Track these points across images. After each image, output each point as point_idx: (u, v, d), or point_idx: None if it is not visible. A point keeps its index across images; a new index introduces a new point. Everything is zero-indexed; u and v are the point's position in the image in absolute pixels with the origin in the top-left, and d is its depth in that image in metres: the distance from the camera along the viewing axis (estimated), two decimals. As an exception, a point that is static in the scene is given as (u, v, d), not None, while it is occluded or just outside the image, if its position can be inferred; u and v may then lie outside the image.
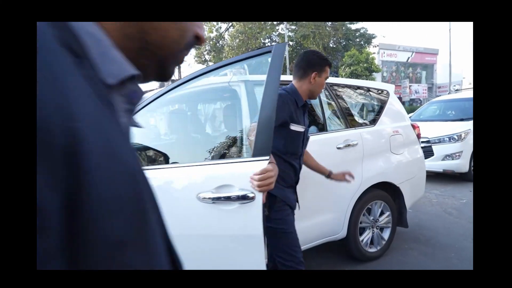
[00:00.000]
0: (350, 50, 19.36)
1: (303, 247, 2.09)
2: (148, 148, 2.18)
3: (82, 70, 0.27)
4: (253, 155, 1.24)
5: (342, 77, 17.05)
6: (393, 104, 2.92)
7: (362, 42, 22.40)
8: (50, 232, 0.22)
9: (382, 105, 2.86)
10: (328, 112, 2.55)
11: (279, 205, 1.57)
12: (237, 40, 20.11)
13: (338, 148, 2.33)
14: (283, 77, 2.34)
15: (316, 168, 1.86)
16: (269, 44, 22.87)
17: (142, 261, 0.31)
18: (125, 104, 0.33)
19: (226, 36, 22.18)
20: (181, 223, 1.32)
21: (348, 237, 2.45)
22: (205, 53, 23.13)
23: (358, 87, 2.92)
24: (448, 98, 6.87)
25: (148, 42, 0.36)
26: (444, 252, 2.81)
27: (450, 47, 22.00)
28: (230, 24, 21.62)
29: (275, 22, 21.30)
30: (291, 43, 20.33)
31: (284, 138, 1.57)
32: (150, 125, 2.94)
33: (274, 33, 21.60)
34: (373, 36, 22.67)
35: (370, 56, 19.26)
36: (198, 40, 0.41)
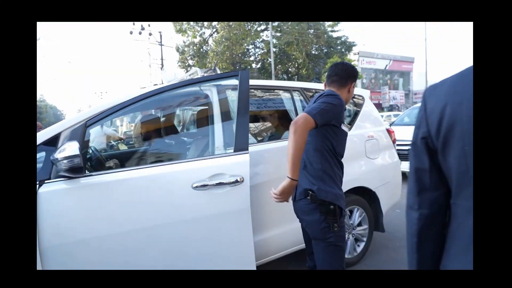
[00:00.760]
0: (332, 57, 19.86)
1: (284, 252, 2.20)
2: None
3: None
4: (235, 151, 1.75)
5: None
6: (369, 109, 2.91)
7: (343, 50, 23.02)
8: None
9: (357, 110, 2.84)
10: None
11: (342, 220, 1.52)
12: (222, 46, 20.18)
13: None
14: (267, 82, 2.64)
15: None
16: (252, 50, 23.09)
17: None
18: None
19: (211, 41, 22.23)
20: (180, 210, 1.64)
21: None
22: (188, 58, 23.06)
23: None
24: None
25: None
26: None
27: (426, 55, 23.00)
28: (215, 29, 21.71)
29: (259, 29, 21.58)
30: (275, 49, 20.61)
31: (338, 139, 1.56)
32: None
33: (258, 39, 21.85)
34: (354, 44, 23.36)
35: (352, 63, 19.84)
36: None
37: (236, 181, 1.68)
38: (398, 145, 3.30)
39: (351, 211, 2.61)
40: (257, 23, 20.76)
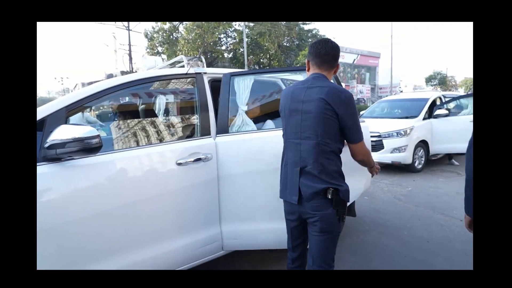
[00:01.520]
0: (304, 49, 20.12)
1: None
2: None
3: None
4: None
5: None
6: None
7: (314, 43, 23.39)
8: None
9: None
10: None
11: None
12: (193, 34, 19.70)
13: None
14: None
15: None
16: (224, 39, 22.77)
17: None
18: None
19: (181, 28, 21.59)
20: (165, 183, 1.90)
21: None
22: (157, 45, 22.28)
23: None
24: (395, 98, 7.63)
25: None
26: (398, 231, 3.23)
27: (392, 51, 23.95)
28: (185, 16, 21.04)
29: (231, 18, 21.24)
30: (247, 39, 20.48)
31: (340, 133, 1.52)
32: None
33: (230, 28, 21.58)
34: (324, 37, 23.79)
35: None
36: None
37: (207, 158, 2.02)
38: (368, 136, 3.50)
39: None
40: (229, 11, 20.38)
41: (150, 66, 2.86)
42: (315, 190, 1.45)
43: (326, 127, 1.44)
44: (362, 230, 3.27)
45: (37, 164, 1.49)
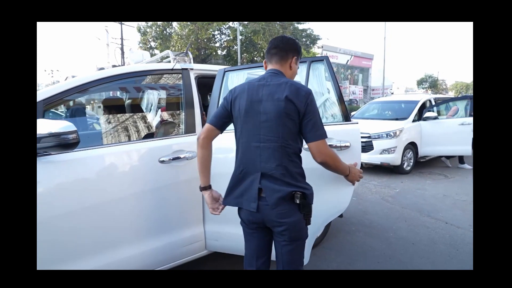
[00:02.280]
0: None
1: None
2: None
3: None
4: (185, 132, 2.09)
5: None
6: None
7: (308, 42, 23.42)
8: None
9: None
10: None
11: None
12: (187, 30, 19.53)
13: None
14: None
15: None
16: (218, 36, 22.63)
17: None
18: None
19: (175, 24, 21.38)
20: (147, 181, 1.86)
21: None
22: (150, 40, 22.03)
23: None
24: (385, 100, 7.67)
25: None
26: (385, 232, 3.24)
27: (385, 53, 24.19)
28: (179, 12, 20.84)
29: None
30: (241, 37, 20.40)
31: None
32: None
33: (224, 25, 21.45)
34: (318, 37, 23.84)
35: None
36: None
37: (192, 157, 1.98)
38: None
39: None
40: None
41: (137, 60, 2.79)
42: (281, 194, 1.34)
43: (287, 127, 1.35)
44: (348, 231, 3.27)
45: None
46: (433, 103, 6.74)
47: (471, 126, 5.61)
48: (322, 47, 27.37)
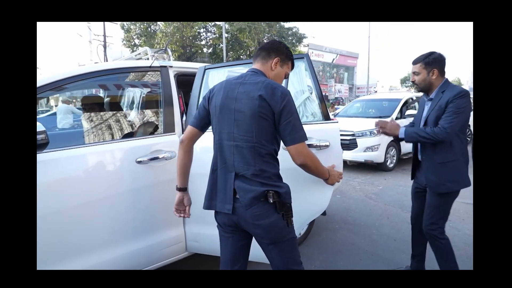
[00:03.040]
0: (284, 47, 20.13)
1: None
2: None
3: None
4: (163, 132, 2.04)
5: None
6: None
7: (294, 41, 23.49)
8: None
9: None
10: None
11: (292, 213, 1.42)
12: (172, 27, 19.27)
13: None
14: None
15: None
16: (204, 34, 22.43)
17: None
18: None
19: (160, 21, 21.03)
20: (124, 181, 1.81)
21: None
22: (134, 37, 21.62)
23: None
24: (369, 98, 7.77)
25: None
26: (367, 229, 3.27)
27: (369, 52, 24.54)
28: (164, 9, 20.51)
29: (211, 12, 20.91)
30: (227, 35, 20.28)
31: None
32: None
33: (210, 23, 21.27)
34: (304, 36, 23.95)
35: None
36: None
37: (172, 157, 1.94)
38: (341, 135, 3.51)
39: None
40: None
41: (116, 57, 2.72)
42: (254, 194, 1.29)
43: (261, 127, 1.30)
44: (331, 229, 3.29)
45: None
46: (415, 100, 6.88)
47: None
48: (308, 45, 27.53)
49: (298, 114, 1.36)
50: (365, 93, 28.55)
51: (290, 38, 23.40)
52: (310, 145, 1.93)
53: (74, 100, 6.30)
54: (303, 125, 1.36)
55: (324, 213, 3.05)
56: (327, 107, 2.07)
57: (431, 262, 2.58)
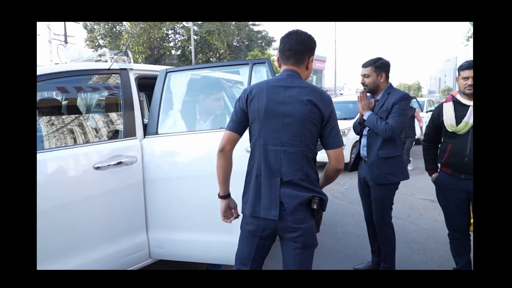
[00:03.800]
0: (253, 50, 20.30)
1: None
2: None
3: None
4: (124, 136, 1.99)
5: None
6: None
7: (263, 44, 23.73)
8: None
9: None
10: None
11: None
12: (138, 28, 18.75)
13: None
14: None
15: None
16: (172, 36, 22.06)
17: None
18: None
19: (125, 21, 20.41)
20: (81, 188, 1.75)
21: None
22: (98, 37, 20.79)
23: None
24: (334, 101, 8.02)
25: None
26: (333, 228, 3.37)
27: (336, 56, 25.32)
28: (130, 9, 19.92)
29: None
30: (196, 37, 20.08)
31: None
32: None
33: (178, 25, 20.95)
34: (273, 39, 24.27)
35: (271, 58, 20.62)
36: None
37: (132, 162, 1.91)
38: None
39: None
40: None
41: (74, 58, 2.60)
42: (300, 200, 1.29)
43: (309, 132, 1.31)
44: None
45: None
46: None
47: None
48: (277, 49, 27.91)
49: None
50: (333, 95, 29.42)
51: (259, 41, 23.63)
52: None
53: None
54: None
55: None
56: None
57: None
